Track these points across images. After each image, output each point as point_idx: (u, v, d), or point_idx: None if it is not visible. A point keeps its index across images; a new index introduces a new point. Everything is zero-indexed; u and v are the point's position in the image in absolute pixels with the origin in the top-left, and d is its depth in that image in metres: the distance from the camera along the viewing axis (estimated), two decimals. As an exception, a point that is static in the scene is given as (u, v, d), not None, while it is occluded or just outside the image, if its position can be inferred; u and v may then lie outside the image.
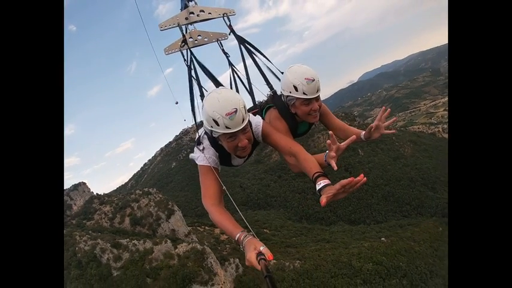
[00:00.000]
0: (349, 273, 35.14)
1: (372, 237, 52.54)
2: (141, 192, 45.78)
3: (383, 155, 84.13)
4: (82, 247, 32.86)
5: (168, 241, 30.09)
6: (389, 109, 2.37)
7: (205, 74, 3.01)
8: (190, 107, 2.77)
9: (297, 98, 2.37)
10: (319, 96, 2.40)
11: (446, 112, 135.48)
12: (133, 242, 30.10)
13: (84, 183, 54.75)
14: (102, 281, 28.56)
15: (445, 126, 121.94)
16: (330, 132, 1.94)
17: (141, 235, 37.30)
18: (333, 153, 1.94)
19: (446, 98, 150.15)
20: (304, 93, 2.32)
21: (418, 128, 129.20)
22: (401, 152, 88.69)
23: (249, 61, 3.15)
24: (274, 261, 33.61)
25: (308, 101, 2.36)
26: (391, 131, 2.47)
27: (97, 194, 53.44)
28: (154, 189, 47.45)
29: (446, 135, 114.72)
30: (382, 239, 45.73)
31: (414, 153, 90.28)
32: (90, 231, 37.72)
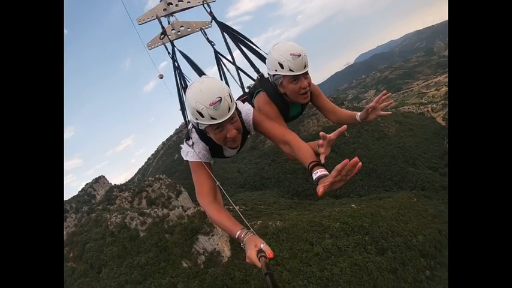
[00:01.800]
0: (319, 229, 47.03)
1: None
2: (153, 179, 57.99)
3: (367, 136, 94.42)
4: (113, 220, 45.17)
5: (180, 207, 42.44)
6: (389, 94, 2.41)
7: (190, 65, 3.02)
8: (179, 102, 2.83)
9: (284, 76, 2.30)
10: (307, 72, 2.33)
11: (437, 92, 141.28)
12: (154, 210, 42.50)
13: (103, 176, 66.62)
14: (132, 240, 40.99)
15: (434, 105, 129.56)
16: (321, 133, 1.87)
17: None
18: (322, 150, 1.88)
19: (439, 78, 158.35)
20: (290, 70, 2.24)
21: (409, 108, 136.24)
22: (386, 132, 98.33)
23: (236, 49, 3.13)
24: (260, 221, 45.54)
25: (296, 78, 2.29)
26: (387, 113, 2.48)
27: (115, 184, 65.64)
28: (164, 175, 59.67)
29: (434, 115, 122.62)
30: (353, 205, 57.29)
31: (398, 133, 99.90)
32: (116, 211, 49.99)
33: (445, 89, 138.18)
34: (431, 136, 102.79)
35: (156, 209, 43.63)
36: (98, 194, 62.56)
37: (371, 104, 2.42)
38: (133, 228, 42.03)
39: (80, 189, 65.48)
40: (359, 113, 2.56)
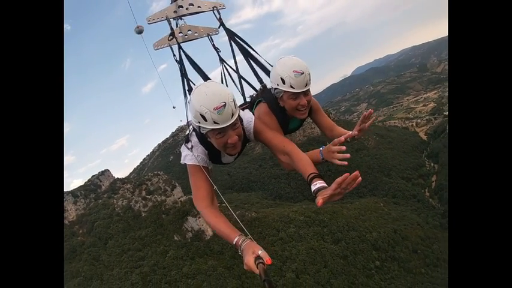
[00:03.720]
0: (286, 220, 60.67)
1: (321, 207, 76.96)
2: (152, 174, 71.65)
3: (347, 147, 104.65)
4: (120, 204, 58.70)
5: (175, 195, 56.43)
6: (371, 112, 2.51)
7: (194, 69, 3.14)
8: (185, 105, 2.78)
9: (284, 91, 2.44)
10: (308, 90, 2.47)
11: (425, 107, 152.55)
12: (154, 196, 56.33)
13: (108, 170, 79.84)
14: (135, 219, 54.66)
15: (419, 120, 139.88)
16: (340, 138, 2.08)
17: (155, 200, 63.12)
18: (336, 154, 2.08)
19: (428, 94, 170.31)
20: (291, 87, 2.38)
21: (395, 122, 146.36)
22: (365, 144, 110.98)
23: (240, 57, 3.26)
24: (238, 212, 58.96)
25: (296, 95, 2.43)
26: (371, 120, 2.54)
27: (118, 177, 78.99)
28: (162, 172, 73.37)
29: (418, 129, 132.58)
30: (318, 204, 70.70)
31: (377, 145, 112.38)
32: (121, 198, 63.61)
33: (432, 104, 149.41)
34: (410, 149, 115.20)
35: (156, 196, 57.85)
36: (103, 185, 75.62)
37: (355, 130, 2.56)
38: (137, 209, 56.14)
39: (79, 183, 78.85)
40: (350, 132, 2.68)
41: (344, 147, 2.14)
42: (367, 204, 78.42)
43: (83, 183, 77.28)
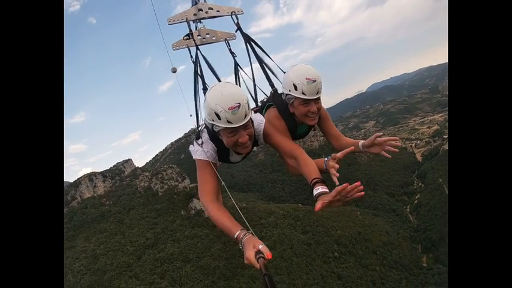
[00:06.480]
0: (268, 212, 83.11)
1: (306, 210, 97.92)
2: (167, 167, 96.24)
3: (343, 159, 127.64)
4: (142, 185, 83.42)
5: (185, 181, 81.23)
6: (398, 140, 2.78)
7: (211, 71, 3.42)
8: (194, 105, 3.12)
9: (296, 98, 2.68)
10: (319, 98, 2.71)
11: (428, 129, 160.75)
12: (169, 181, 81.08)
13: (131, 160, 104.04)
14: (153, 196, 79.59)
15: (419, 142, 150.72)
16: (333, 154, 2.23)
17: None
18: (336, 166, 2.25)
19: (435, 116, 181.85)
20: (303, 93, 2.61)
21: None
22: (358, 160, 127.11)
23: (255, 64, 3.58)
24: (231, 202, 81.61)
25: (306, 102, 2.67)
26: (387, 155, 2.77)
27: (138, 166, 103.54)
28: (175, 165, 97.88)
29: (416, 150, 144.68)
30: (299, 204, 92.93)
31: (369, 162, 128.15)
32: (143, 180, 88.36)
33: (436, 127, 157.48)
34: (401, 168, 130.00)
35: (170, 181, 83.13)
36: (126, 171, 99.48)
37: (382, 138, 2.73)
38: (155, 189, 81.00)
39: (104, 167, 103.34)
40: (362, 141, 2.93)
41: (337, 166, 2.33)
42: (344, 210, 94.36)
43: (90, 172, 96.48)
